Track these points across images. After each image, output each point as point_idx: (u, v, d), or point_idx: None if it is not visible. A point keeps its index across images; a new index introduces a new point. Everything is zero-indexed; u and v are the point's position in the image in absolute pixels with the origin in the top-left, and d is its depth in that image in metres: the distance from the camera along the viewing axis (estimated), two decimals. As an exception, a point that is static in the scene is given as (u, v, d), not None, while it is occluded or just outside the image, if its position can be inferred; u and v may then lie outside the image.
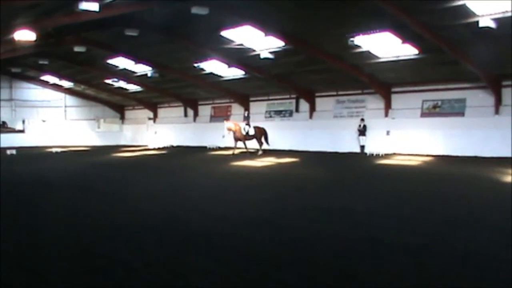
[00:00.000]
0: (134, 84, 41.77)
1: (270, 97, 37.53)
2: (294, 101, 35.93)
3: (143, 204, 11.75)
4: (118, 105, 52.38)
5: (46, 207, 11.44)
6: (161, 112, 48.64)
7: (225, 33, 25.10)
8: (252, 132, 29.55)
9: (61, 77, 44.05)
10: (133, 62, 34.73)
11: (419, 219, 9.62)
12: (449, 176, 17.97)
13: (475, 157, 24.66)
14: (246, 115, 30.67)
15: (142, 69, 36.04)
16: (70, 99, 50.34)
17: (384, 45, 23.72)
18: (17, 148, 36.13)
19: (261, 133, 30.35)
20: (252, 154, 28.44)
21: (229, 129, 29.11)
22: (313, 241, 7.94)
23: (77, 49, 30.17)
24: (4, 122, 46.13)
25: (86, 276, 6.12)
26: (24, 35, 23.03)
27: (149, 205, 11.59)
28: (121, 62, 35.20)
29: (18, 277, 6.14)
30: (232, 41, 26.24)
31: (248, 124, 29.72)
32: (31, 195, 13.58)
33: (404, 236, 8.11)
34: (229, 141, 37.44)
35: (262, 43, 26.15)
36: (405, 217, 9.82)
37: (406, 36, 21.99)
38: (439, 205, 11.38)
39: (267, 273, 6.24)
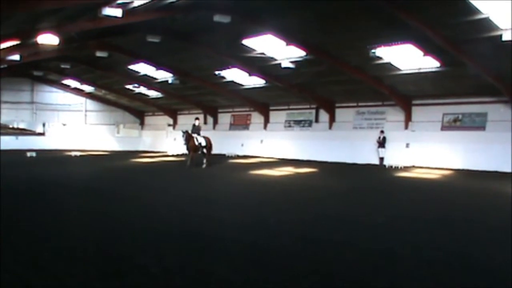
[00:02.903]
0: (155, 90, 42.01)
1: (290, 107, 37.48)
2: (314, 111, 35.82)
3: (162, 210, 11.78)
4: (138, 111, 52.61)
5: (64, 210, 11.50)
6: (181, 119, 48.68)
7: (246, 42, 25.16)
8: (204, 143, 26.39)
9: (82, 81, 44.51)
10: (154, 68, 34.93)
11: (438, 233, 9.51)
12: (469, 190, 17.79)
13: (496, 172, 24.38)
14: (197, 124, 26.97)
15: (163, 75, 36.24)
16: (90, 104, 50.78)
17: (405, 57, 23.63)
18: (37, 151, 36.43)
19: (210, 143, 27.05)
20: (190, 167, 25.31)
21: (187, 140, 25.66)
22: (329, 252, 7.89)
23: (99, 54, 30.39)
24: None
25: (103, 280, 6.12)
26: (48, 39, 23.27)
27: (168, 211, 11.62)
28: (142, 68, 35.44)
29: (35, 279, 6.17)
30: (254, 50, 26.29)
31: (199, 134, 26.50)
32: (50, 198, 13.65)
33: (422, 249, 8.03)
34: (248, 150, 37.63)
35: (283, 52, 26.20)
36: (423, 230, 9.71)
37: (428, 48, 21.88)
38: (458, 219, 11.26)
39: (283, 283, 6.21)
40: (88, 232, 8.89)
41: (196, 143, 25.70)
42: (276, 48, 25.73)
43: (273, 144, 37.60)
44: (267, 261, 7.16)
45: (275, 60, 27.43)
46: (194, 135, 25.92)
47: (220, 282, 6.15)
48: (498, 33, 18.41)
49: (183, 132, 25.79)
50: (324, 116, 35.01)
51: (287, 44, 24.56)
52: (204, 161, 26.39)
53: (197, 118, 27.48)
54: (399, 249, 8.03)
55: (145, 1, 20.02)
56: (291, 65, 27.19)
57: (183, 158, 35.32)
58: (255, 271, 6.65)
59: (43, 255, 7.16)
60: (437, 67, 23.83)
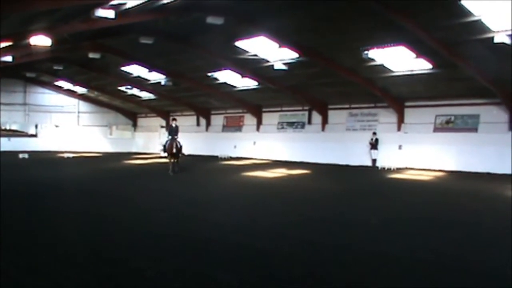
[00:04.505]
0: (148, 92, 41.89)
1: (283, 108, 37.47)
2: (306, 113, 35.81)
3: (157, 212, 11.77)
4: (131, 112, 52.53)
5: (59, 212, 11.48)
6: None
7: (239, 43, 25.14)
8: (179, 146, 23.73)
9: (75, 83, 44.31)
10: (147, 70, 34.82)
11: (432, 234, 9.55)
12: (462, 192, 17.84)
13: (488, 173, 24.48)
14: (174, 125, 24.13)
15: (156, 77, 36.10)
16: (83, 105, 50.59)
17: (398, 59, 23.66)
18: (29, 152, 36.32)
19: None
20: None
21: (176, 147, 23.25)
22: (324, 254, 7.90)
23: (92, 55, 30.23)
24: None
25: (99, 284, 6.11)
26: (40, 40, 23.15)
27: (163, 214, 11.62)
28: (135, 69, 35.31)
29: (31, 281, 6.16)
30: (246, 52, 26.26)
31: (177, 135, 23.86)
32: (44, 200, 13.62)
33: (417, 251, 8.06)
34: (241, 152, 37.65)
35: (276, 54, 26.16)
36: (417, 232, 9.75)
37: (420, 50, 21.92)
38: (451, 220, 11.30)
39: (278, 285, 6.23)
40: (83, 234, 8.87)
41: (178, 147, 23.43)
42: (269, 50, 25.71)
43: (266, 146, 37.59)
44: (262, 263, 7.18)
45: (268, 62, 27.43)
46: (176, 138, 23.62)
47: (216, 285, 6.15)
48: (490, 35, 18.47)
49: (164, 144, 24.10)
50: (317, 117, 35.01)
51: (280, 46, 24.55)
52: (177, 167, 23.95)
53: (174, 119, 25.21)
54: (394, 251, 8.05)
55: (138, 3, 19.98)
56: (283, 67, 27.19)
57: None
58: (251, 273, 6.67)
59: (39, 258, 7.15)
60: (430, 69, 23.86)
